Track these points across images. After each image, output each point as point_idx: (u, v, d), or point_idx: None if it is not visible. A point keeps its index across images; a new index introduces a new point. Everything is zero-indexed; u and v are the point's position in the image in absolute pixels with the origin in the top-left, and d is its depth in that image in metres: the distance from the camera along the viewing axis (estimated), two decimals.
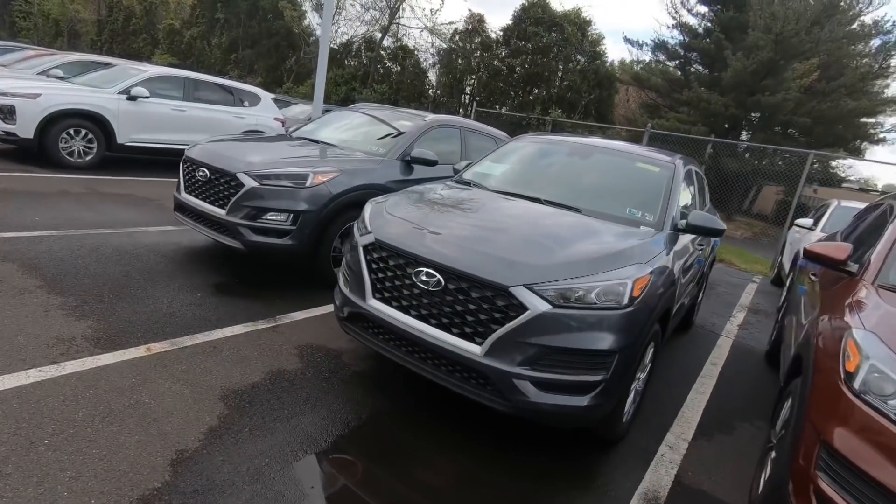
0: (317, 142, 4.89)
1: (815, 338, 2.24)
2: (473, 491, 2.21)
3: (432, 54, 24.50)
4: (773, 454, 2.30)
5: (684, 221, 3.11)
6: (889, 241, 2.58)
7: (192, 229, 4.17)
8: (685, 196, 3.85)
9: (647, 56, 23.47)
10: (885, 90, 20.84)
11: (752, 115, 21.63)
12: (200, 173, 4.08)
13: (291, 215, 3.85)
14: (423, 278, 2.39)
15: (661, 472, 2.58)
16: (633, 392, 2.71)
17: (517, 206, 3.10)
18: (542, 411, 2.25)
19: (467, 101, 22.48)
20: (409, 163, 4.70)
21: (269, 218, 3.83)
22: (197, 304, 3.45)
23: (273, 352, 3.03)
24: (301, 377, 2.82)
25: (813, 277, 3.31)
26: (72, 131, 6.77)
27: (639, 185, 3.40)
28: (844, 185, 21.40)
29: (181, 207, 4.28)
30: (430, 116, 5.38)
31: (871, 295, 2.29)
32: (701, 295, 5.04)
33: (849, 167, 23.33)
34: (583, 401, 2.26)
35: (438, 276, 2.36)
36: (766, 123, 20.40)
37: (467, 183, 3.60)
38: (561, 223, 2.86)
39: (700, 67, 22.27)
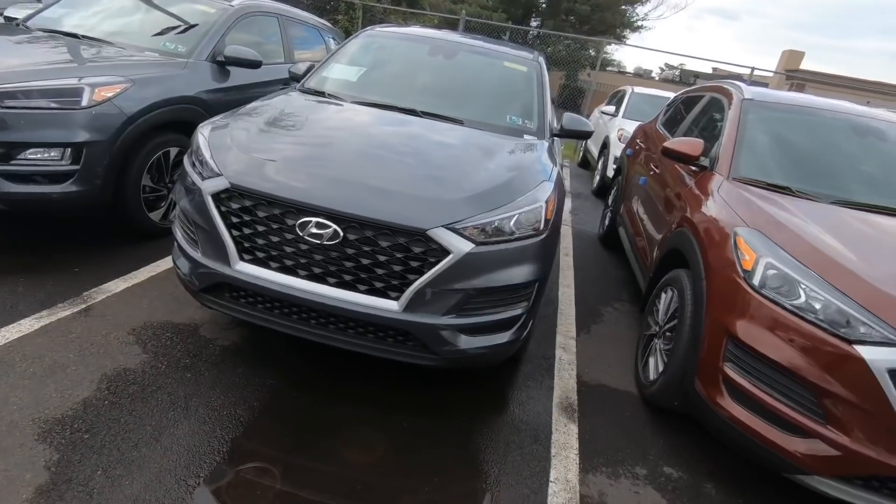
0: (75, 36, 3.46)
1: (696, 234, 2.43)
2: (407, 445, 2.01)
3: None
4: (660, 343, 2.56)
5: (558, 126, 3.03)
6: (731, 137, 2.87)
7: None
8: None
9: None
10: None
11: (542, 1, 22.85)
12: None
13: (70, 150, 2.73)
14: (314, 230, 1.88)
15: (565, 375, 2.72)
16: None
17: (396, 121, 2.63)
18: (471, 356, 2.08)
19: None
20: (222, 64, 3.69)
21: (31, 157, 2.66)
22: None
23: (97, 346, 2.24)
24: (153, 372, 2.15)
25: (655, 169, 3.63)
26: None
27: (511, 88, 3.18)
28: (608, 68, 24.64)
29: None
30: (236, 0, 4.22)
31: (732, 189, 2.54)
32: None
33: (616, 51, 26.76)
34: (505, 336, 2.14)
35: (334, 226, 1.88)
36: (555, 11, 21.77)
37: (320, 93, 2.93)
38: (452, 142, 2.52)
39: None
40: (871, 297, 1.75)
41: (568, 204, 6.48)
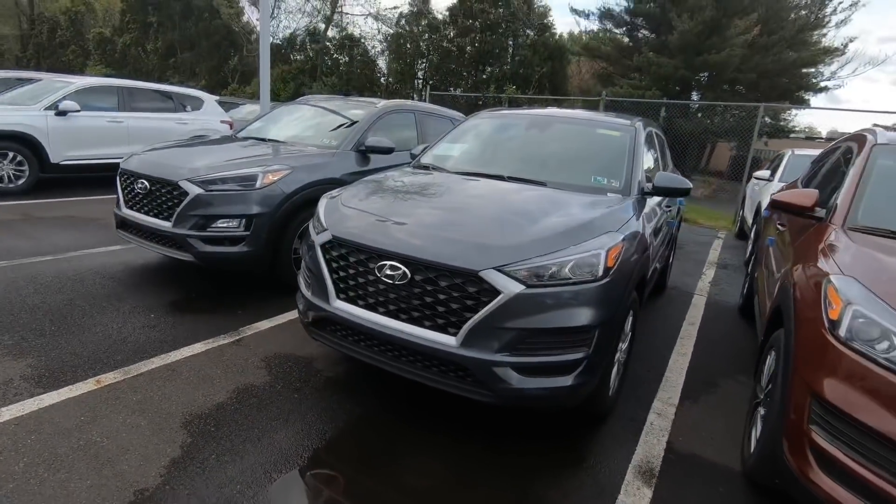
0: (264, 140, 4.64)
1: (794, 288, 2.20)
2: (467, 489, 2.10)
3: (379, 41, 23.97)
4: (762, 410, 2.27)
5: (650, 184, 3.04)
6: (853, 183, 2.56)
7: (139, 246, 3.88)
8: (648, 159, 3.79)
9: (594, 25, 23.53)
10: (822, 40, 21.50)
11: (701, 74, 22.04)
12: (140, 185, 3.80)
13: (244, 220, 3.62)
14: (388, 272, 2.24)
15: (652, 440, 2.53)
16: (616, 364, 2.64)
17: (479, 185, 2.97)
18: (528, 396, 2.14)
19: (420, 85, 22.08)
20: (364, 153, 4.51)
21: (219, 226, 3.59)
22: (151, 326, 3.21)
23: (238, 367, 2.84)
24: (270, 391, 2.64)
25: (781, 227, 3.30)
26: None
27: (601, 152, 3.31)
28: (792, 135, 22.15)
29: (123, 224, 3.99)
30: (382, 102, 5.17)
31: (843, 238, 2.26)
32: (672, 257, 5.05)
33: (795, 115, 24.12)
34: (567, 380, 2.17)
35: (403, 268, 2.21)
36: (715, 82, 20.83)
37: (426, 167, 3.44)
38: (526, 199, 2.75)
39: (647, 32, 22.47)
40: None
41: (710, 275, 5.97)
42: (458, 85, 20.39)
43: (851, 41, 23.84)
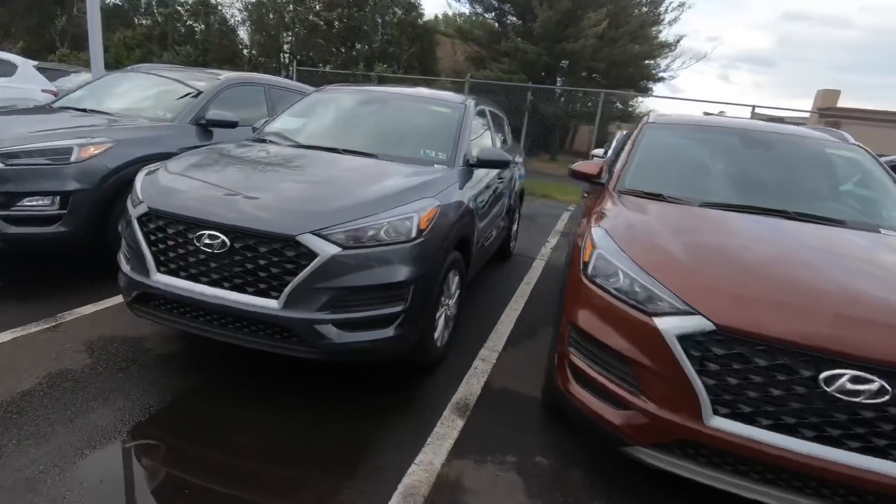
0: (86, 111, 4.21)
1: (575, 240, 2.63)
2: (297, 442, 2.23)
3: (239, 9, 22.26)
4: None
5: (475, 158, 3.36)
6: (626, 154, 3.10)
7: None
8: (479, 135, 4.14)
9: (465, 8, 24.22)
10: (659, 35, 24.43)
11: (563, 62, 23.92)
12: None
13: (58, 197, 3.31)
14: (206, 241, 2.26)
15: (473, 382, 2.87)
16: (442, 317, 2.94)
17: (310, 156, 3.06)
18: (351, 350, 2.33)
19: (287, 60, 21.02)
20: (205, 126, 4.31)
21: (28, 204, 3.25)
22: None
23: (52, 353, 2.65)
24: (90, 373, 2.52)
25: (586, 195, 3.85)
26: None
27: (432, 127, 3.57)
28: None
29: None
30: (226, 74, 4.95)
31: (613, 199, 2.75)
32: (515, 226, 5.55)
33: (641, 102, 27.25)
34: (388, 332, 2.39)
35: (222, 236, 2.25)
36: (574, 69, 22.69)
37: (262, 140, 3.43)
38: (352, 168, 2.90)
39: (514, 18, 23.68)
40: (672, 276, 1.89)
41: (553, 242, 6.67)
42: (327, 61, 19.79)
43: (682, 38, 27.30)
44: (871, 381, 1.52)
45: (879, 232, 2.46)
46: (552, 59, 21.31)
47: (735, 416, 1.69)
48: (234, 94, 4.80)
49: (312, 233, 2.22)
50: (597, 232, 2.31)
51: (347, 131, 3.52)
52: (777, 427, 1.65)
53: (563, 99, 21.95)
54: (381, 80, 14.10)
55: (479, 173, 3.49)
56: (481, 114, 4.13)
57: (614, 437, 1.92)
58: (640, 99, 26.68)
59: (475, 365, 3.07)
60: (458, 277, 3.10)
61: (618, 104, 22.67)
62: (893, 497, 1.57)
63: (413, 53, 18.14)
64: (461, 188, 3.06)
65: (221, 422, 2.30)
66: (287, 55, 21.65)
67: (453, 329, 3.21)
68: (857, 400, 1.53)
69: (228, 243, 2.24)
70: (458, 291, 3.16)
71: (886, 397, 1.52)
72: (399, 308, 2.39)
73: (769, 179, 2.81)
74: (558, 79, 24.62)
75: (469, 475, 2.12)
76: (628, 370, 1.88)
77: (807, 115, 21.21)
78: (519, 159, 5.50)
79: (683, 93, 64.29)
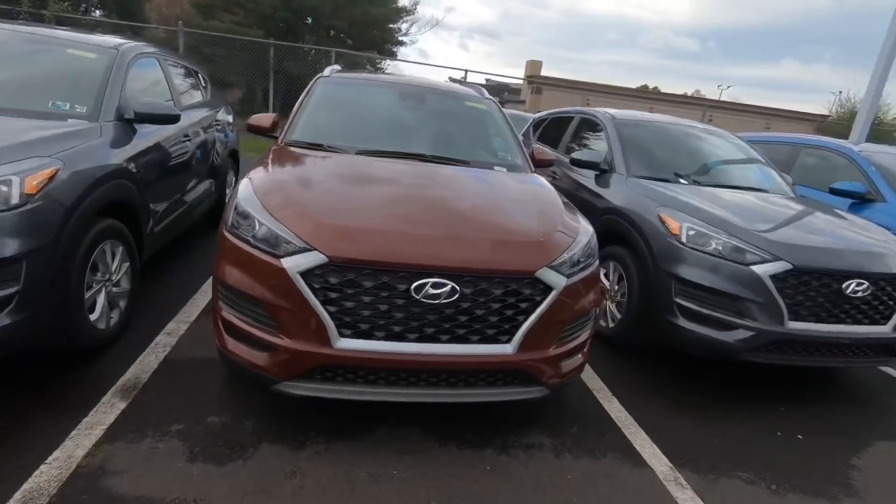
0: None
1: None
2: None
3: None
4: None
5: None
6: (296, 109, 3.14)
7: None
8: (161, 88, 3.69)
9: None
10: (399, 1, 25.41)
11: (308, 19, 22.95)
12: None
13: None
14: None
15: (150, 359, 2.63)
16: (102, 295, 2.58)
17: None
18: None
19: None
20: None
21: None
22: None
23: None
24: None
25: None
26: None
27: (68, 75, 2.98)
28: None
29: None
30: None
31: (277, 151, 2.77)
32: (228, 190, 5.11)
33: (388, 65, 28.25)
34: (3, 320, 1.97)
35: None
36: (318, 27, 22.07)
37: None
38: None
39: None
40: (297, 219, 2.00)
41: None
42: None
43: (418, 4, 28.91)
44: (445, 285, 1.89)
45: (493, 169, 3.00)
46: (290, 13, 20.27)
47: (357, 334, 1.91)
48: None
49: None
50: (242, 184, 2.29)
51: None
52: (390, 336, 1.92)
53: (311, 58, 21.24)
54: (60, 23, 11.29)
55: (148, 130, 3.09)
56: (154, 63, 3.65)
57: (266, 378, 1.99)
58: (387, 62, 27.73)
59: (157, 340, 2.82)
60: (122, 248, 2.75)
61: (368, 66, 23.08)
62: (474, 370, 2.01)
63: None
64: (112, 146, 2.67)
65: None
66: None
67: (131, 305, 2.88)
68: (437, 302, 1.89)
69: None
70: (127, 264, 2.81)
71: (456, 296, 1.91)
72: (12, 290, 1.99)
73: (417, 128, 3.20)
74: (307, 38, 23.65)
75: (118, 457, 1.94)
76: (267, 313, 1.94)
77: (521, 81, 25.44)
78: (226, 116, 5.10)
79: (432, 59, 69.23)
